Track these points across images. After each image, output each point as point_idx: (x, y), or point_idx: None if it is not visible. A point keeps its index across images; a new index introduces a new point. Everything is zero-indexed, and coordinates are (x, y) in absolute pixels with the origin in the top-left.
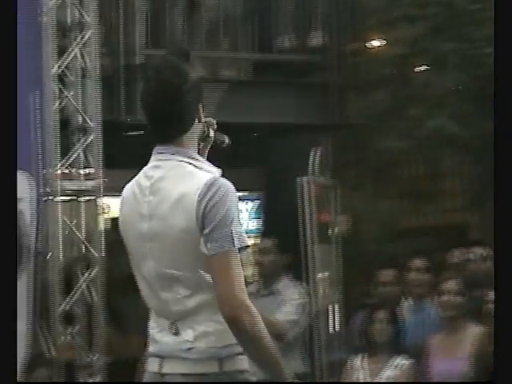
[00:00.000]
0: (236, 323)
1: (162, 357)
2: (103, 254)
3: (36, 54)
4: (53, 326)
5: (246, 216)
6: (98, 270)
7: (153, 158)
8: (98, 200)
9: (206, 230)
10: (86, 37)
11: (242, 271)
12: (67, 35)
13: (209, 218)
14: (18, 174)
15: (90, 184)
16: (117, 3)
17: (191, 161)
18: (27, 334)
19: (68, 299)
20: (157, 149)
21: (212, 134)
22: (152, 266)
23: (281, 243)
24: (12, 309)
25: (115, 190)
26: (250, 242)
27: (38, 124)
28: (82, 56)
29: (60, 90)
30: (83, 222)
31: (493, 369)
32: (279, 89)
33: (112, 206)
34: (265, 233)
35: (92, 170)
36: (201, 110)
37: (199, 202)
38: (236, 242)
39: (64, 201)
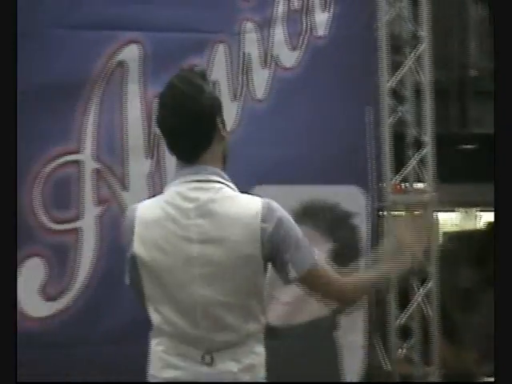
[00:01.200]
0: (355, 303)
1: None
2: (438, 268)
3: (372, 69)
4: (389, 339)
5: None
6: (433, 283)
7: (183, 178)
8: (432, 214)
9: (287, 255)
10: (420, 50)
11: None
12: (402, 49)
13: (287, 242)
14: (353, 187)
15: (423, 198)
16: (451, 16)
17: (222, 180)
18: (364, 346)
19: (404, 313)
20: (185, 169)
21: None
22: (198, 293)
23: None
24: (12, 309)
25: (447, 204)
26: None
27: (373, 139)
28: (416, 70)
29: (394, 104)
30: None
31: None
32: None
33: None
34: None
35: (426, 184)
36: (221, 125)
37: (264, 228)
38: (315, 254)
39: (398, 215)
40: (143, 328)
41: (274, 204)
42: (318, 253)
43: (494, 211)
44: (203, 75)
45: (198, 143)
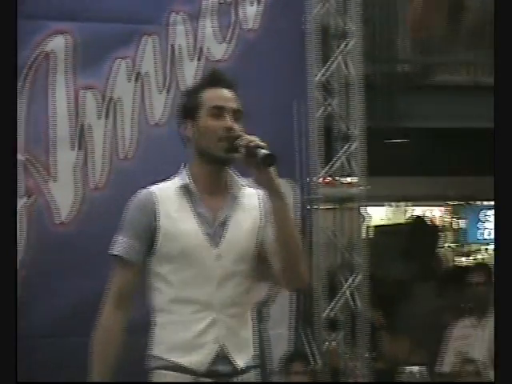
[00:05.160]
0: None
1: None
2: (366, 261)
3: (301, 63)
4: (317, 332)
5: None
6: (361, 276)
7: None
8: (361, 208)
9: None
10: (350, 45)
11: None
12: (331, 43)
13: None
14: (282, 181)
15: (352, 192)
16: (380, 10)
17: None
18: (289, 337)
19: (332, 305)
20: None
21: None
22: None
23: None
24: (12, 309)
25: (377, 198)
26: None
27: (302, 132)
28: (346, 64)
29: (323, 97)
30: (346, 230)
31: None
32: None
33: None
34: None
35: (355, 178)
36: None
37: None
38: None
39: (327, 208)
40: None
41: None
42: None
43: (494, 209)
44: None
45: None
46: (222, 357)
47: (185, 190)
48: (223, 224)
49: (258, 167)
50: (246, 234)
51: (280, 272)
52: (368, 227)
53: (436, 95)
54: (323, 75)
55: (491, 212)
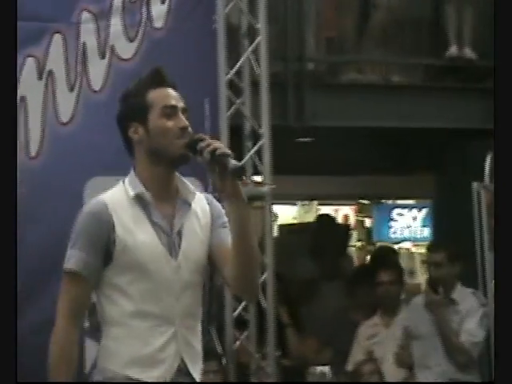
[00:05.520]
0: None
1: None
2: (273, 260)
3: (210, 61)
4: (227, 329)
5: (417, 224)
6: (268, 275)
7: None
8: (269, 206)
9: None
10: (257, 42)
11: None
12: (240, 42)
13: None
14: (192, 179)
15: (261, 190)
16: (289, 9)
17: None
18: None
19: (241, 304)
20: None
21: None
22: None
23: (454, 252)
24: (13, 309)
25: (287, 196)
26: (422, 250)
27: (212, 131)
28: (257, 62)
29: (232, 96)
30: (254, 229)
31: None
32: (450, 94)
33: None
34: (436, 245)
35: (263, 177)
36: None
37: None
38: None
39: None
40: None
41: None
42: None
43: (495, 213)
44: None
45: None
46: (181, 370)
47: (138, 198)
48: (179, 233)
49: (225, 177)
50: (200, 243)
51: (234, 280)
52: (276, 226)
53: (345, 94)
54: (232, 74)
55: (402, 211)
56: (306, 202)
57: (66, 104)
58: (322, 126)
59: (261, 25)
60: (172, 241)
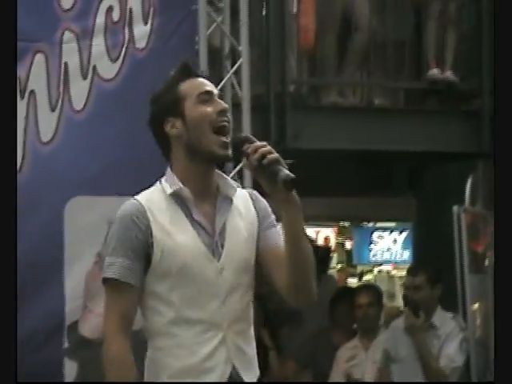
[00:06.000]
0: None
1: None
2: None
3: None
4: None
5: (398, 247)
6: None
7: None
8: None
9: None
10: (238, 64)
11: None
12: (222, 63)
13: None
14: None
15: None
16: (268, 31)
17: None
18: None
19: None
20: None
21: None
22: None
23: (435, 274)
24: (12, 309)
25: None
26: (402, 273)
27: None
28: (238, 84)
29: None
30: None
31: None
32: (432, 117)
33: None
34: (416, 268)
35: None
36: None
37: None
38: None
39: None
40: None
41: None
42: None
43: (495, 215)
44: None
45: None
46: (234, 378)
47: (176, 196)
48: (222, 231)
49: (275, 186)
50: (245, 241)
51: (289, 288)
52: None
53: (326, 116)
54: None
55: (383, 233)
56: None
57: (48, 124)
58: (303, 148)
59: (243, 47)
60: (214, 240)
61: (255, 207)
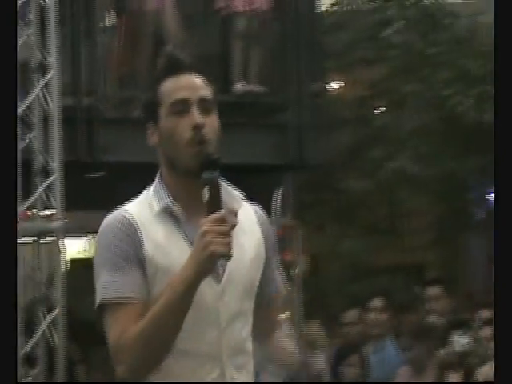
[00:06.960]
0: None
1: None
2: (64, 296)
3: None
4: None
5: None
6: (59, 311)
7: None
8: (60, 241)
9: None
10: (48, 77)
11: None
12: (31, 76)
13: None
14: None
15: (51, 225)
16: (78, 43)
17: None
18: None
19: (30, 341)
20: None
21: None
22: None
23: None
24: (13, 309)
25: (75, 230)
26: None
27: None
28: (45, 97)
29: (23, 131)
30: (44, 264)
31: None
32: (239, 130)
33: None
34: None
35: (54, 211)
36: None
37: None
38: None
39: (25, 242)
40: None
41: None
42: None
43: (495, 216)
44: None
45: None
46: None
47: (167, 212)
48: None
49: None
50: (249, 261)
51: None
52: (66, 261)
53: (135, 129)
54: (22, 109)
55: None
56: (95, 236)
57: None
58: (112, 161)
59: (53, 59)
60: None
61: (261, 229)
